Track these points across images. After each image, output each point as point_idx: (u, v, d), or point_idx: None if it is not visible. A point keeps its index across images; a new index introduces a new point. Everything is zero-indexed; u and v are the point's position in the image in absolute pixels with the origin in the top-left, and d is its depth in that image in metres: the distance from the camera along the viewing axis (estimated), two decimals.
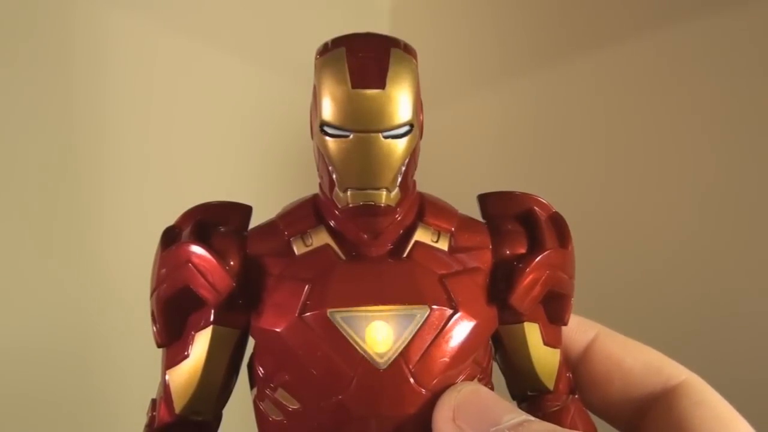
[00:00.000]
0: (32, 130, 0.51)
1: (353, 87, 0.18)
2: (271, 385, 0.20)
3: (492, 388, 0.21)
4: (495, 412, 0.19)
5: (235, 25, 0.66)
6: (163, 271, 0.21)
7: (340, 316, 0.19)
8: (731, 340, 0.56)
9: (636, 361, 0.24)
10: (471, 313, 0.20)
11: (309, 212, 0.21)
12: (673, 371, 0.23)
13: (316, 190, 0.22)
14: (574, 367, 0.25)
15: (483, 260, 0.21)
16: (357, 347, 0.19)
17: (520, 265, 0.21)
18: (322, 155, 0.19)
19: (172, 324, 0.21)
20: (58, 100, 0.52)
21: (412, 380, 0.19)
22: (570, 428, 0.20)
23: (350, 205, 0.19)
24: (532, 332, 0.22)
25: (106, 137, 0.55)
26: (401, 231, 0.21)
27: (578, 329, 0.25)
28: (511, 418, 0.18)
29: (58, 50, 0.52)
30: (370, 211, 0.20)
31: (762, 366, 0.54)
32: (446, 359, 0.19)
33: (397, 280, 0.20)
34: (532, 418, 0.18)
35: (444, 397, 0.19)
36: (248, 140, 0.68)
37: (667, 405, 0.23)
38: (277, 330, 0.20)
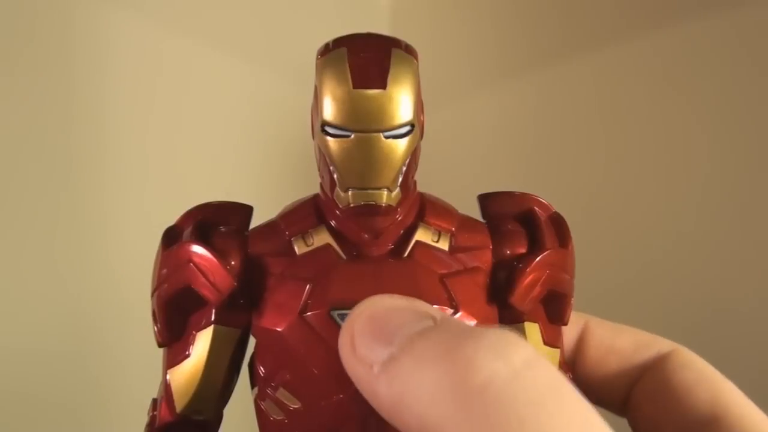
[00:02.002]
0: (34, 131, 0.51)
1: (354, 87, 0.18)
2: (272, 384, 0.21)
3: None
4: (395, 324, 0.15)
5: (236, 25, 0.66)
6: (164, 270, 0.21)
7: (340, 315, 0.19)
8: (730, 338, 0.56)
9: (626, 341, 0.24)
10: (471, 313, 0.20)
11: (310, 212, 0.22)
12: (663, 344, 0.24)
13: (316, 190, 0.22)
14: (571, 360, 0.25)
15: (483, 260, 0.21)
16: None
17: (521, 265, 0.21)
18: (323, 155, 0.19)
19: (173, 323, 0.21)
20: (60, 101, 0.52)
21: None
22: None
23: (351, 205, 0.20)
24: (532, 332, 0.22)
25: (108, 137, 0.56)
26: (402, 231, 0.21)
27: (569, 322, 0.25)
28: (410, 328, 0.14)
29: (59, 52, 0.52)
30: (371, 210, 0.20)
31: (760, 364, 0.54)
32: None
33: (397, 279, 0.20)
34: (449, 318, 0.15)
35: (344, 323, 0.16)
36: (249, 140, 0.68)
37: (655, 371, 0.23)
38: (278, 329, 0.20)
